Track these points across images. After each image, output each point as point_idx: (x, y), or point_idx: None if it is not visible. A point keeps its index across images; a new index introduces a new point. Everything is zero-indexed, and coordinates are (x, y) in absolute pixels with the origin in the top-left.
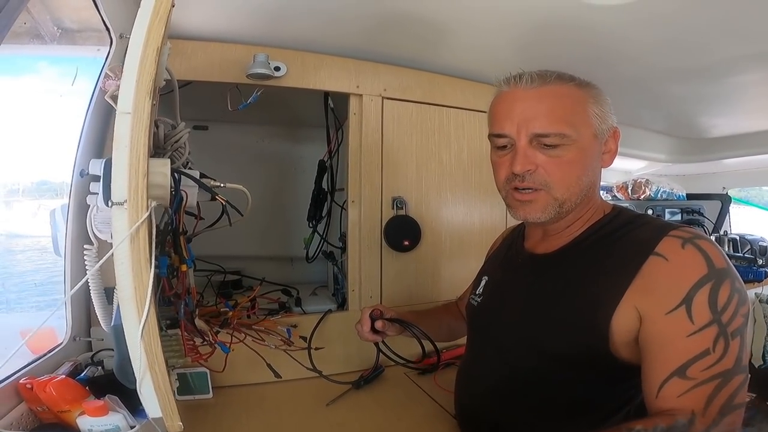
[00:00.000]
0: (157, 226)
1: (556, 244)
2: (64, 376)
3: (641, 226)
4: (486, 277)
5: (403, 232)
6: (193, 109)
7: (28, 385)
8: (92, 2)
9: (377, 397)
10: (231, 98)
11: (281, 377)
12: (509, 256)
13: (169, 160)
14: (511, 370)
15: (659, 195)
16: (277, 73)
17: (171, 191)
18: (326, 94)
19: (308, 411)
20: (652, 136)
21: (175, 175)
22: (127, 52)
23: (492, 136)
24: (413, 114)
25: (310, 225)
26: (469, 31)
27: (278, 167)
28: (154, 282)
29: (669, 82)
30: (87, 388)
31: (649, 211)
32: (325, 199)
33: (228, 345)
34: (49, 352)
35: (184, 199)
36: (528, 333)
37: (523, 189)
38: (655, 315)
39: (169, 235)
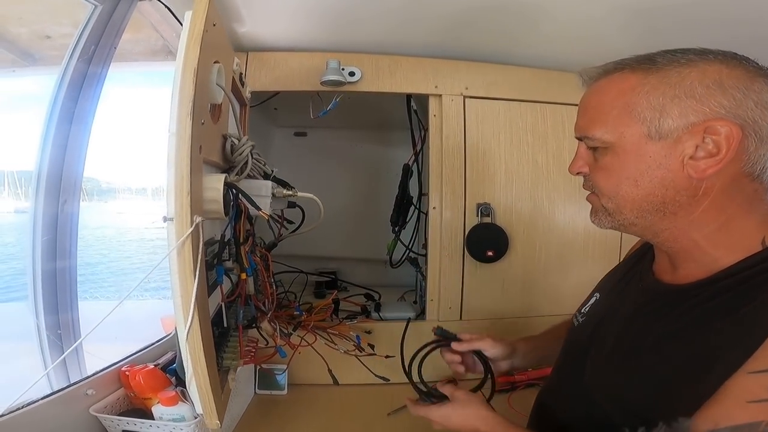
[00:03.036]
0: (223, 236)
1: (688, 274)
2: (152, 367)
3: None
4: (597, 295)
5: (487, 242)
6: (294, 116)
7: (127, 372)
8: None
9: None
10: (313, 106)
11: (338, 383)
12: (632, 274)
13: (224, 175)
14: (588, 415)
15: None
16: (351, 78)
17: (230, 204)
18: (409, 96)
19: (368, 419)
20: None
21: (232, 189)
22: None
23: None
24: (500, 113)
25: (394, 230)
26: (565, 16)
27: (371, 170)
28: (198, 290)
29: None
30: (174, 378)
31: None
32: (410, 204)
33: (295, 348)
34: (155, 343)
35: (243, 211)
36: (613, 376)
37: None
38: (738, 372)
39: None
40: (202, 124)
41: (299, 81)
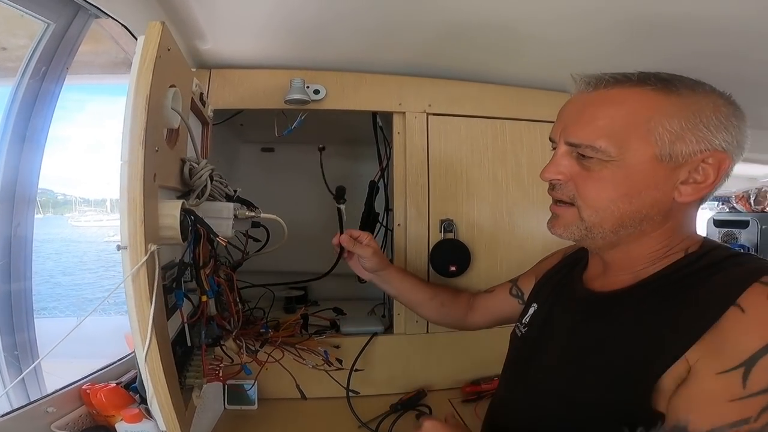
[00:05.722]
0: (181, 261)
1: (617, 281)
2: (114, 385)
3: (730, 269)
4: (535, 305)
5: (450, 257)
6: (261, 132)
7: (88, 390)
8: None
9: (411, 423)
10: (278, 124)
11: (306, 398)
12: (564, 284)
13: (180, 202)
14: (538, 418)
15: None
16: (316, 96)
17: (189, 229)
18: (374, 113)
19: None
20: None
21: (190, 215)
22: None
23: None
24: (462, 129)
25: None
26: (532, 33)
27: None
28: (155, 316)
29: None
30: (138, 395)
31: None
32: (375, 220)
33: (262, 364)
34: (117, 361)
35: (202, 236)
36: (562, 380)
37: (556, 201)
38: (705, 373)
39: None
40: (156, 151)
41: (264, 99)
